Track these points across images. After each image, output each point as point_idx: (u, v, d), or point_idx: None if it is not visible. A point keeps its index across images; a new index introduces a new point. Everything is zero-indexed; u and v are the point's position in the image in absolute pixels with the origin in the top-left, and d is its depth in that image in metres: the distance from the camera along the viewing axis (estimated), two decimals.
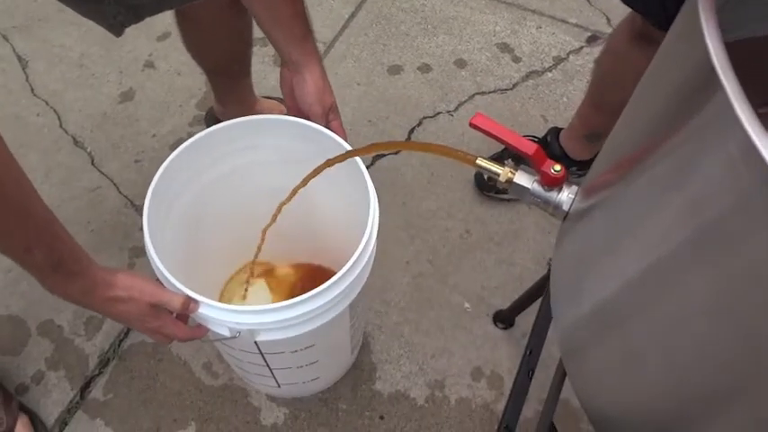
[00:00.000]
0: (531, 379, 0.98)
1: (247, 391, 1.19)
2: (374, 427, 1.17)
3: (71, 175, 1.45)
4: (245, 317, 0.78)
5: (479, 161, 0.64)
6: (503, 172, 0.63)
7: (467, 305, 1.31)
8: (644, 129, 0.46)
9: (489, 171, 0.64)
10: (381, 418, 1.19)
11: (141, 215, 1.37)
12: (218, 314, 0.78)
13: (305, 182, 0.81)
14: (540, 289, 1.13)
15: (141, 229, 1.39)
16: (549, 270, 1.08)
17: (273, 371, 1.00)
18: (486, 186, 1.41)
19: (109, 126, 1.52)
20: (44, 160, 1.48)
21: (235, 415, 1.17)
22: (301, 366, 1.00)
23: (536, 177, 0.62)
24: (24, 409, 1.14)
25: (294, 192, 0.84)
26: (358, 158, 0.87)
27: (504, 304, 1.29)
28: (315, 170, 0.79)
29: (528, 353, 0.99)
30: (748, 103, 0.28)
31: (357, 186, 0.89)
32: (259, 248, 1.01)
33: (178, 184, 0.93)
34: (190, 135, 1.53)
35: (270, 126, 0.94)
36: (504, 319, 1.28)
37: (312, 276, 1.24)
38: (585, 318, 0.47)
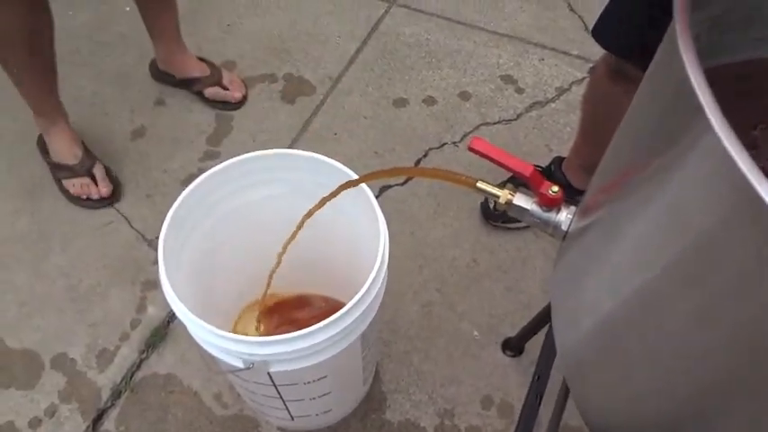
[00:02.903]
0: (539, 404, 0.98)
1: (258, 422, 1.20)
2: None
3: (81, 210, 1.48)
4: (258, 348, 0.79)
5: (480, 184, 0.66)
6: (502, 194, 0.65)
7: (475, 333, 1.31)
8: (632, 151, 0.48)
9: (489, 193, 0.66)
10: None
11: (153, 249, 1.40)
12: (231, 345, 0.79)
13: (310, 214, 0.83)
14: (548, 315, 1.13)
15: (153, 262, 1.43)
16: None
17: (287, 403, 1.01)
18: (493, 216, 1.43)
19: (121, 162, 1.56)
20: (57, 195, 1.51)
21: None
22: (314, 398, 1.01)
23: (535, 199, 0.64)
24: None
25: (299, 226, 0.86)
26: (366, 188, 0.89)
27: (513, 332, 1.30)
28: (320, 202, 0.81)
29: (536, 378, 0.99)
30: (728, 123, 0.30)
31: (366, 217, 0.91)
32: (267, 288, 1.02)
33: (193, 217, 0.96)
34: (200, 170, 1.57)
35: (282, 160, 0.96)
36: (513, 346, 1.28)
37: (321, 308, 1.26)
38: (584, 335, 0.49)
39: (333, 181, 0.91)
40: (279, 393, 0.97)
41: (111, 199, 1.48)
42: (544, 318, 1.15)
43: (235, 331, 1.22)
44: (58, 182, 1.50)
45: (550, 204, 0.63)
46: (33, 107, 1.43)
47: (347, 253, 1.09)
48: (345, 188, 0.79)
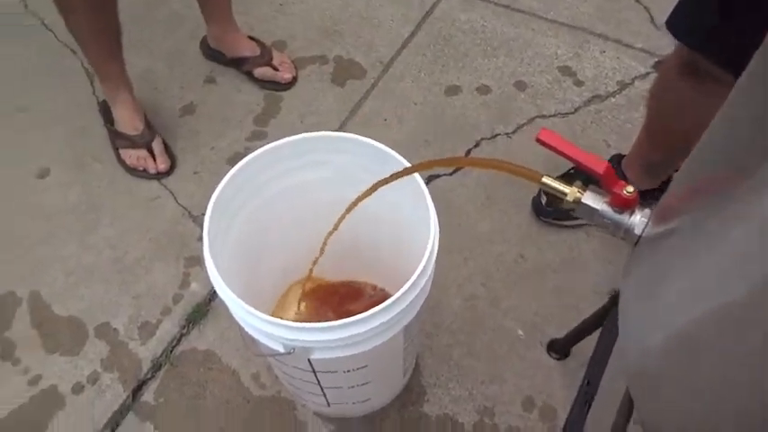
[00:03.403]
0: (588, 411, 0.94)
1: (294, 405, 1.19)
2: None
3: (133, 184, 1.49)
4: (300, 334, 0.77)
5: (545, 179, 0.62)
6: (570, 191, 0.61)
7: (520, 332, 1.28)
8: (725, 158, 0.44)
9: (555, 190, 0.62)
10: None
11: (198, 225, 1.40)
12: (273, 329, 0.78)
13: (359, 200, 0.81)
14: (600, 319, 1.09)
15: (198, 239, 1.43)
16: (610, 300, 1.05)
17: (325, 390, 0.99)
18: (544, 212, 1.39)
19: (170, 137, 1.56)
20: (108, 169, 1.52)
21: (281, 428, 1.17)
22: (353, 387, 0.99)
23: (606, 198, 0.60)
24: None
25: (347, 212, 0.84)
26: (419, 178, 0.86)
27: (559, 333, 1.26)
28: (371, 188, 0.78)
29: (586, 383, 0.95)
30: None
31: (416, 206, 0.89)
32: (309, 273, 1.01)
33: (239, 197, 0.94)
34: (247, 150, 1.57)
35: (333, 143, 0.94)
36: (559, 348, 1.25)
37: (371, 296, 1.24)
38: (657, 348, 0.45)
39: (383, 167, 0.89)
40: (317, 380, 0.96)
41: (167, 174, 1.49)
42: (595, 322, 1.11)
43: (277, 311, 1.21)
44: (116, 150, 1.51)
45: (624, 206, 0.59)
46: (98, 71, 1.44)
47: (393, 241, 1.07)
48: (400, 176, 0.77)
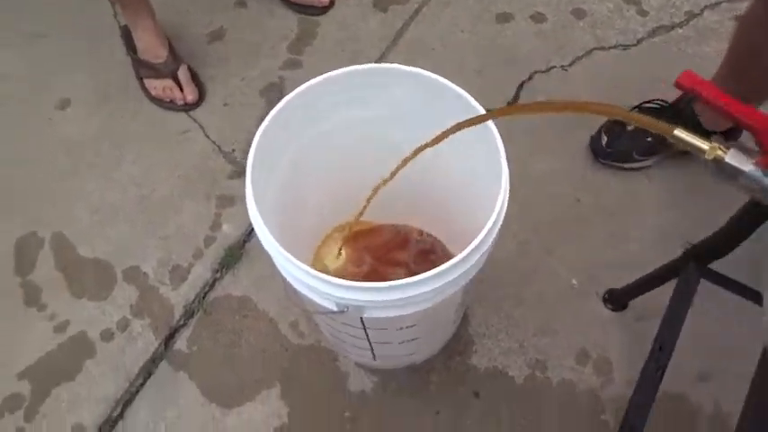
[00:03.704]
0: (661, 377, 0.86)
1: (335, 354, 1.13)
2: (468, 406, 1.09)
3: (160, 117, 1.40)
4: (356, 293, 0.69)
5: (678, 132, 0.51)
6: (709, 148, 0.51)
7: (574, 281, 1.19)
8: None
9: (691, 146, 0.51)
10: (476, 395, 1.10)
11: (228, 162, 1.31)
12: (327, 288, 0.70)
13: (435, 141, 0.70)
14: (667, 275, 1.00)
15: (229, 176, 1.34)
16: (684, 256, 0.95)
17: (373, 344, 0.92)
18: (603, 153, 1.28)
19: (198, 65, 1.45)
20: (133, 101, 1.42)
21: (322, 378, 1.11)
22: (402, 342, 0.92)
23: (755, 158, 0.49)
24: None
25: (419, 151, 0.74)
26: (492, 124, 0.76)
27: (616, 284, 1.17)
28: (448, 130, 0.68)
29: (658, 348, 0.87)
30: None
31: (483, 152, 0.79)
32: (366, 206, 0.91)
33: (283, 136, 0.84)
34: (281, 79, 1.46)
35: (385, 76, 0.83)
36: (616, 300, 1.16)
37: (409, 241, 1.15)
38: None
39: (440, 102, 0.79)
40: (367, 336, 0.89)
41: (196, 105, 1.39)
42: (662, 277, 1.01)
43: (317, 256, 1.13)
44: (140, 80, 1.41)
45: None
46: None
47: (451, 187, 0.97)
48: (475, 123, 0.66)
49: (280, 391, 1.10)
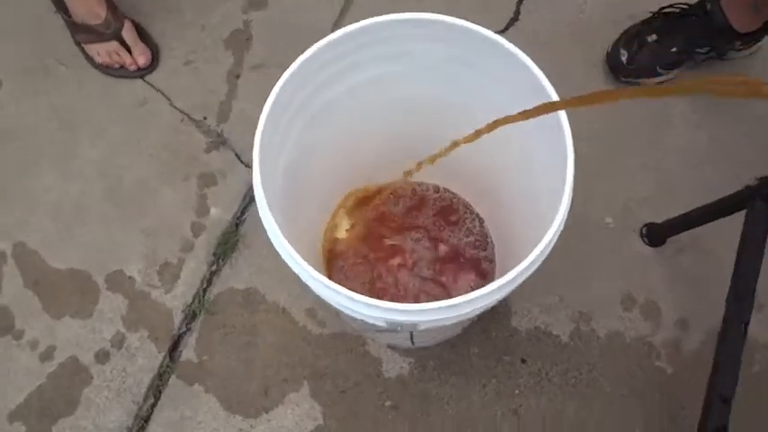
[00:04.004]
0: (745, 333, 0.78)
1: (363, 339, 1.02)
2: (516, 373, 1.00)
3: (108, 87, 1.19)
4: (409, 316, 0.58)
5: None
6: None
7: (608, 220, 1.09)
8: None
9: None
10: (523, 361, 1.02)
11: (203, 132, 1.13)
12: (377, 312, 0.58)
13: (492, 127, 0.56)
14: (718, 212, 0.90)
15: (207, 150, 1.17)
16: (745, 192, 0.84)
17: (414, 337, 0.82)
18: (625, 70, 1.14)
19: (144, 19, 1.23)
20: (77, 72, 1.20)
21: (353, 368, 1.00)
22: (445, 332, 0.82)
23: None
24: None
25: (477, 135, 0.60)
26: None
27: (654, 217, 1.07)
28: (509, 117, 0.54)
29: (734, 302, 0.77)
30: None
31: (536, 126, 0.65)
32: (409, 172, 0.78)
33: (293, 105, 0.69)
34: (246, 24, 1.25)
35: (414, 27, 0.67)
36: (656, 236, 1.07)
37: (427, 200, 1.02)
38: None
39: (484, 56, 0.65)
40: (411, 336, 0.78)
41: (151, 68, 1.19)
42: (712, 213, 0.91)
43: (330, 225, 1.00)
44: (80, 47, 1.19)
45: None
46: None
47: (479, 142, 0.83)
48: (554, 109, 0.52)
49: (309, 390, 0.99)
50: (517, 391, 0.99)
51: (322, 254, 1.00)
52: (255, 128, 1.16)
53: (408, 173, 0.74)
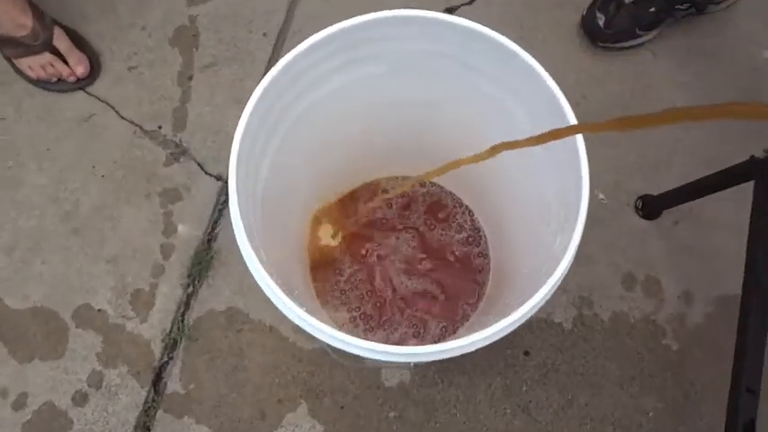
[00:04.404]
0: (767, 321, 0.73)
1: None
2: (521, 368, 0.96)
3: (48, 103, 1.08)
4: (420, 357, 0.53)
5: None
6: None
7: (601, 196, 1.04)
8: None
9: None
10: (527, 353, 0.97)
11: (158, 143, 1.05)
12: (389, 357, 0.53)
13: (495, 151, 0.50)
14: (718, 183, 0.85)
15: (166, 164, 1.08)
16: (755, 160, 0.80)
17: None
18: (602, 34, 1.08)
19: (77, 23, 1.12)
20: (12, 90, 1.09)
21: (350, 381, 0.95)
22: None
23: None
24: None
25: (478, 158, 0.53)
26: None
27: (648, 188, 1.03)
28: (517, 143, 0.48)
29: (753, 285, 0.73)
30: None
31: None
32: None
33: (271, 117, 0.62)
34: (192, 19, 1.15)
35: (393, 26, 0.60)
36: (652, 208, 1.02)
37: (415, 197, 0.96)
38: None
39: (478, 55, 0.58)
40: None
41: (92, 78, 1.08)
42: (714, 185, 0.87)
43: (314, 233, 0.93)
44: (9, 62, 1.08)
45: None
46: None
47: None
48: (569, 134, 0.46)
49: (307, 409, 0.94)
50: (524, 387, 0.95)
51: (309, 268, 0.93)
52: (216, 133, 1.08)
53: (417, 178, 0.67)
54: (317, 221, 0.95)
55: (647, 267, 1.01)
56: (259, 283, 0.54)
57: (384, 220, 0.96)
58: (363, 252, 0.94)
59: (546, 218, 0.66)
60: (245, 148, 0.56)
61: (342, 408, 0.94)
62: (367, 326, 0.92)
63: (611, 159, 1.05)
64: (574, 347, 0.97)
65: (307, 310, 0.53)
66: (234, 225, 0.53)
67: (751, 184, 0.78)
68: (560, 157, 0.59)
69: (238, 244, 0.54)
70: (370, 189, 0.96)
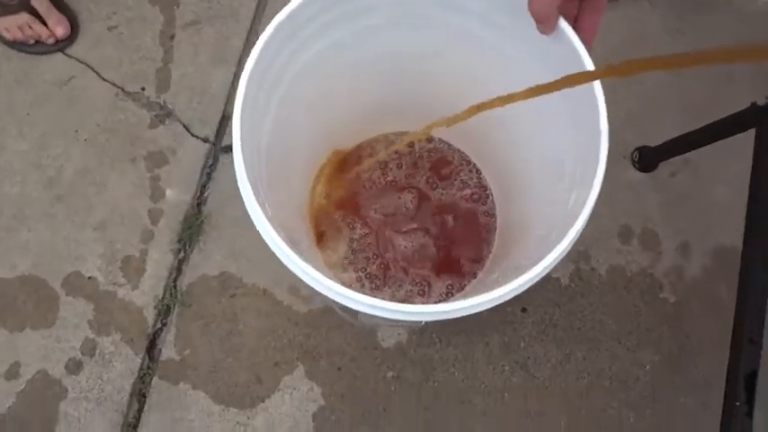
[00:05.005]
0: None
1: (354, 312, 0.95)
2: (519, 324, 0.96)
3: (26, 66, 1.05)
4: (432, 315, 0.51)
5: None
6: None
7: None
8: None
9: None
10: (524, 310, 0.97)
11: (141, 105, 1.02)
12: (401, 316, 0.51)
13: (529, 94, 0.47)
14: (717, 132, 0.83)
15: (150, 126, 1.05)
16: (755, 108, 0.78)
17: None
18: None
19: None
20: None
21: (347, 343, 0.94)
22: None
23: None
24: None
25: (509, 100, 0.50)
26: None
27: (643, 139, 1.01)
28: (542, 87, 0.45)
29: (753, 235, 0.72)
30: None
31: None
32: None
33: (274, 69, 0.59)
34: None
35: None
36: (648, 160, 1.01)
37: (420, 155, 0.93)
38: None
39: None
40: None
41: (72, 39, 1.04)
42: (712, 134, 0.85)
43: (319, 184, 0.90)
44: None
45: None
46: None
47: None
48: (591, 79, 0.43)
49: (304, 372, 0.93)
50: (522, 344, 0.95)
51: (313, 228, 0.91)
52: (201, 94, 1.05)
53: (424, 131, 0.65)
54: (319, 180, 0.92)
55: (644, 220, 1.00)
56: (265, 238, 0.51)
57: (388, 179, 0.93)
58: (367, 211, 0.92)
59: (560, 175, 0.64)
60: (248, 104, 0.53)
61: (339, 369, 0.93)
62: (373, 284, 0.90)
63: (608, 110, 1.03)
64: (571, 302, 0.97)
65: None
66: (238, 179, 0.50)
67: (749, 133, 0.76)
68: (576, 110, 0.56)
69: (243, 198, 0.51)
70: (374, 146, 0.93)
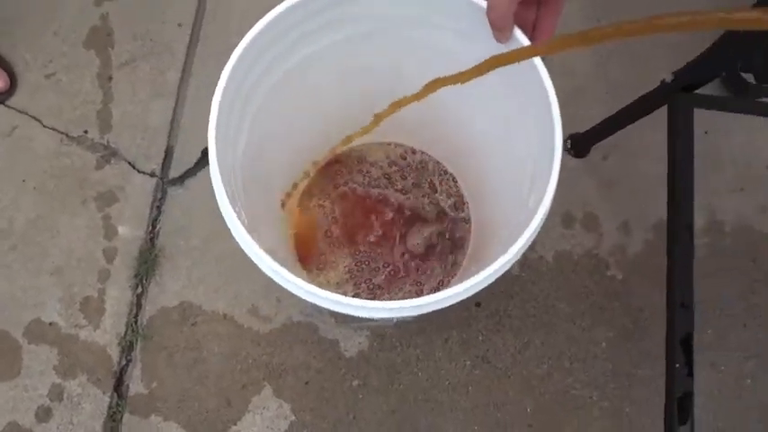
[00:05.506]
0: (692, 237, 0.76)
1: (315, 325, 0.97)
2: (474, 319, 0.99)
3: None
4: (406, 311, 0.54)
5: None
6: None
7: None
8: None
9: None
10: (478, 305, 1.00)
11: (86, 148, 1.03)
12: (385, 314, 0.55)
13: (444, 82, 0.50)
14: (636, 112, 0.87)
15: (96, 167, 1.06)
16: (665, 85, 0.82)
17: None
18: None
19: None
20: None
21: (311, 356, 0.96)
22: None
23: None
24: None
25: (424, 93, 0.53)
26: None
27: (574, 127, 1.05)
28: (481, 66, 0.47)
29: (674, 203, 0.75)
30: None
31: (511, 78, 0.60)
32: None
33: (248, 83, 0.61)
34: (103, 17, 1.13)
35: None
36: (580, 145, 1.05)
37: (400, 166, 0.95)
38: None
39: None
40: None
41: (10, 91, 1.06)
42: (632, 114, 0.89)
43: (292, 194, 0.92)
44: None
45: None
46: None
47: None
48: (520, 58, 0.46)
49: (272, 390, 0.95)
50: (480, 337, 0.98)
51: (292, 240, 0.92)
52: (144, 130, 1.07)
53: (361, 133, 0.67)
54: (297, 192, 0.93)
55: (584, 204, 1.04)
56: (244, 248, 0.53)
57: (369, 188, 0.95)
58: (346, 221, 0.93)
59: (522, 177, 0.67)
60: (223, 118, 0.55)
61: (306, 383, 0.95)
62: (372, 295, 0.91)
63: None
64: (523, 291, 1.00)
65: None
66: (215, 189, 0.52)
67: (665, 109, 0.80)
68: (532, 112, 0.59)
69: (221, 209, 0.53)
70: (350, 156, 0.96)
